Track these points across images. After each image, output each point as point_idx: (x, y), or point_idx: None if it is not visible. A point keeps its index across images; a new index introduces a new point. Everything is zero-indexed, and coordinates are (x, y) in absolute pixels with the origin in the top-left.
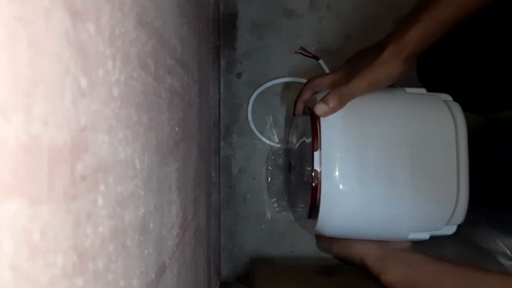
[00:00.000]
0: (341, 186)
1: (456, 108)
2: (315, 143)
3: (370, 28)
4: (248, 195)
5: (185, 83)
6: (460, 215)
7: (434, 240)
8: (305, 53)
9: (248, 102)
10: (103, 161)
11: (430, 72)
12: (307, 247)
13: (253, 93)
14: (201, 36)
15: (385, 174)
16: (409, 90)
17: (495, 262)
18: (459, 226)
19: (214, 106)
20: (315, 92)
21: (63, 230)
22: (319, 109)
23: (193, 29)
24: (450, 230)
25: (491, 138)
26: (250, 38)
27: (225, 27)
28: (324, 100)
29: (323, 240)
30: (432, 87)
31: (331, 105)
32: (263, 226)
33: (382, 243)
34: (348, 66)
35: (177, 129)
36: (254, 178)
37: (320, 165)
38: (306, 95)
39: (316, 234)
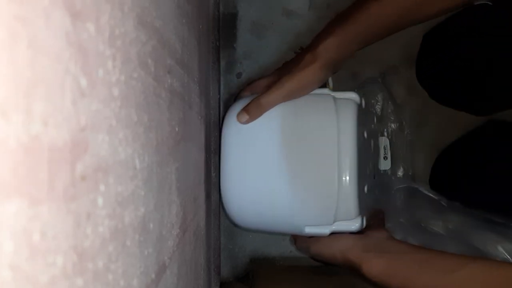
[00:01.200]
0: (234, 181)
1: (349, 106)
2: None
3: None
4: None
5: (185, 83)
6: (349, 210)
7: (435, 241)
8: None
9: None
10: (103, 161)
11: (430, 73)
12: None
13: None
14: (201, 36)
15: (275, 170)
16: (314, 91)
17: None
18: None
19: (214, 106)
20: (254, 93)
21: (63, 230)
22: (241, 118)
23: (193, 29)
24: (353, 225)
25: (491, 138)
26: (250, 38)
27: (225, 27)
28: (245, 109)
29: (301, 240)
30: (432, 88)
31: (250, 114)
32: None
33: (361, 235)
34: (278, 71)
35: (177, 129)
36: None
37: (219, 162)
38: (244, 94)
39: (292, 235)
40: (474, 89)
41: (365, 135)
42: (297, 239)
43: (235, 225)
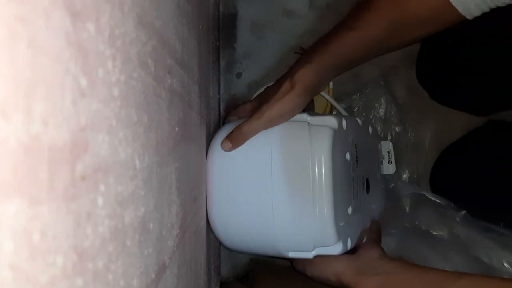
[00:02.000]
0: (219, 206)
1: (323, 134)
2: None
3: None
4: None
5: (185, 83)
6: (327, 238)
7: (437, 248)
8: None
9: None
10: (103, 161)
11: (430, 73)
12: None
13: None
14: (201, 36)
15: (257, 198)
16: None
17: None
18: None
19: (214, 106)
20: (240, 117)
21: (63, 230)
22: (224, 146)
23: (193, 29)
24: (334, 250)
25: (491, 138)
26: (250, 38)
27: (225, 27)
28: (228, 137)
29: (297, 262)
30: (432, 88)
31: (233, 142)
32: None
33: (354, 256)
34: (260, 97)
35: (177, 129)
36: None
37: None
38: (230, 119)
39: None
40: (474, 89)
41: (355, 150)
42: (294, 261)
43: (224, 247)
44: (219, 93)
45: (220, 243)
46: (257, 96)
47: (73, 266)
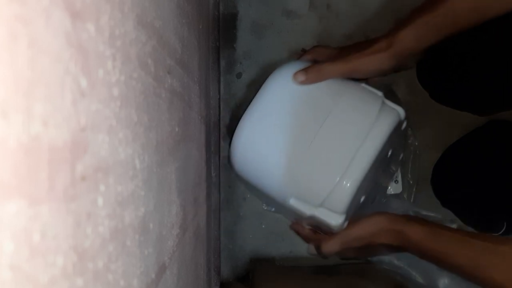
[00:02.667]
0: (251, 125)
1: (393, 116)
2: None
3: (370, 29)
4: (248, 195)
5: (185, 83)
6: (340, 202)
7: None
8: None
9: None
10: (103, 161)
11: (430, 73)
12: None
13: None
14: (201, 36)
15: (294, 132)
16: (366, 86)
17: None
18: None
19: (214, 106)
20: (315, 58)
21: (63, 230)
22: (298, 77)
23: (193, 29)
24: (334, 219)
25: (492, 138)
26: (250, 38)
27: (225, 27)
28: (305, 70)
29: (328, 242)
30: (432, 88)
31: (308, 77)
32: (263, 226)
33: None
34: (345, 48)
35: (177, 129)
36: None
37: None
38: (306, 58)
39: (315, 243)
40: (475, 89)
41: (388, 155)
42: (323, 242)
43: (230, 166)
44: (219, 93)
45: (229, 161)
46: (340, 46)
47: (73, 266)
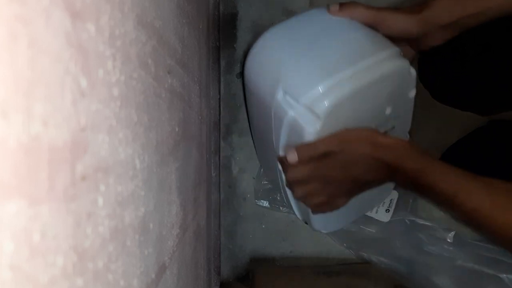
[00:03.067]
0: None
1: (403, 61)
2: None
3: None
4: (248, 195)
5: (185, 83)
6: (322, 103)
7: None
8: None
9: None
10: (103, 161)
11: (432, 72)
12: (307, 247)
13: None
14: (201, 36)
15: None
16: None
17: None
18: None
19: (214, 106)
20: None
21: (63, 230)
22: (333, 7)
23: (193, 29)
24: (312, 125)
25: (493, 138)
26: (250, 38)
27: (225, 27)
28: (342, 4)
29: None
30: (434, 88)
31: (343, 9)
32: (263, 226)
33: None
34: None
35: (177, 129)
36: (254, 178)
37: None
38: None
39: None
40: (476, 89)
41: (387, 112)
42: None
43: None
44: (219, 93)
45: (242, 69)
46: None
47: (73, 266)
